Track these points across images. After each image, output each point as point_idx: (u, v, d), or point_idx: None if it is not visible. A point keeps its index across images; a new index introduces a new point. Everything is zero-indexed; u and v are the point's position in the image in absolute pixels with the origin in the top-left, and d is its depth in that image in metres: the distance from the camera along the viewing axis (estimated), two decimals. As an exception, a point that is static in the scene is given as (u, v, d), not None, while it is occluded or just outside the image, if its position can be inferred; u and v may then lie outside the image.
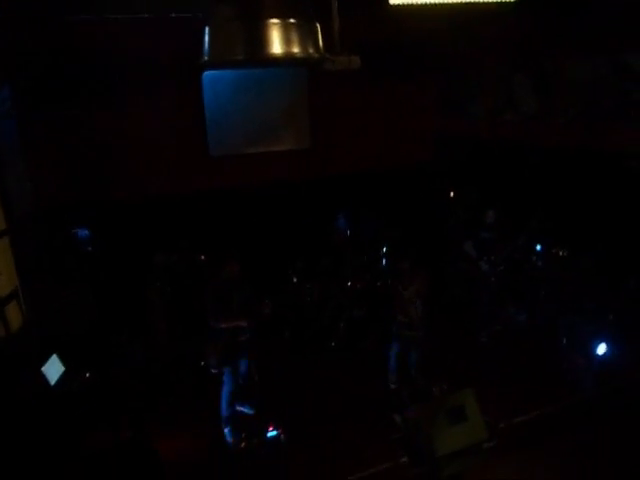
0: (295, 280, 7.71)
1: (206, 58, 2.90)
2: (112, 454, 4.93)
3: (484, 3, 5.40)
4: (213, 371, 5.61)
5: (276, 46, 2.69)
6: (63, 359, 6.04)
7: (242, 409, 6.06)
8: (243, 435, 5.60)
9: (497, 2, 5.49)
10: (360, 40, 5.58)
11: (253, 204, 8.45)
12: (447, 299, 8.27)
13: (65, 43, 6.75)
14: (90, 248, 7.17)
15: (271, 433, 5.52)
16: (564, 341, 6.93)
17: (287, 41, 2.76)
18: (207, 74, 7.91)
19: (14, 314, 6.36)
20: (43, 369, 5.73)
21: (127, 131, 7.72)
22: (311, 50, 2.91)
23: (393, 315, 6.23)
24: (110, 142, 7.66)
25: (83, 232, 7.12)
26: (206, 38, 2.92)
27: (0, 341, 5.95)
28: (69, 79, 6.81)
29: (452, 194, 9.17)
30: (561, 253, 7.52)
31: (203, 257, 7.46)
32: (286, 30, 2.75)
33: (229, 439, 5.64)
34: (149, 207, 7.83)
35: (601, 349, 6.20)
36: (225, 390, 5.67)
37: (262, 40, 2.72)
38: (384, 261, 8.22)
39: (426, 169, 9.53)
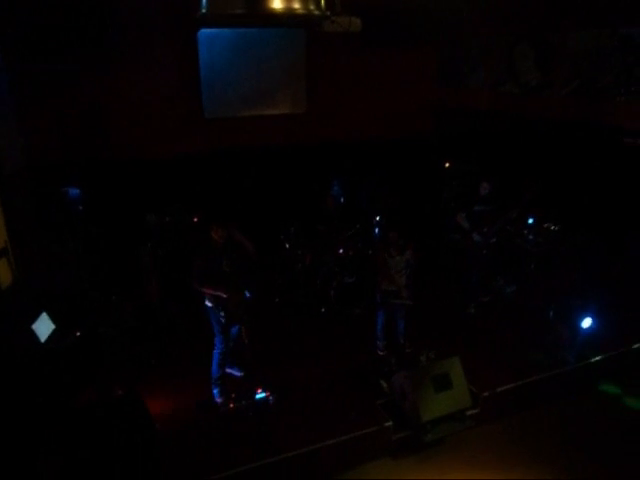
0: (288, 246, 7.72)
1: (204, 11, 2.80)
2: (102, 411, 4.98)
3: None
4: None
5: (277, 1, 2.61)
6: (53, 317, 6.06)
7: (231, 371, 6.13)
8: (232, 396, 5.67)
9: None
10: (361, 3, 5.47)
11: (248, 168, 8.38)
12: (438, 269, 8.34)
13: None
14: (81, 207, 7.08)
15: (259, 395, 5.61)
16: (551, 314, 7.03)
17: (288, -4, 2.67)
18: (203, 32, 7.71)
19: (4, 271, 6.33)
20: (33, 326, 5.75)
21: (121, 90, 7.57)
22: (312, 7, 2.82)
23: (379, 283, 6.27)
24: (104, 100, 7.52)
25: (74, 191, 7.03)
26: (204, -10, 2.83)
27: (-10, 298, 5.94)
28: (61, 33, 6.61)
29: (447, 165, 9.14)
30: (553, 227, 7.57)
31: (195, 219, 7.42)
32: (287, -16, 2.67)
33: (218, 400, 5.71)
34: (142, 167, 7.74)
35: (586, 323, 6.29)
36: (216, 352, 5.71)
37: (262, -6, 2.64)
38: (377, 230, 8.23)
39: (423, 139, 9.46)
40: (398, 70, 9.21)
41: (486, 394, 5.80)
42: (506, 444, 5.51)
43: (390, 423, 5.42)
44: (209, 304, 5.56)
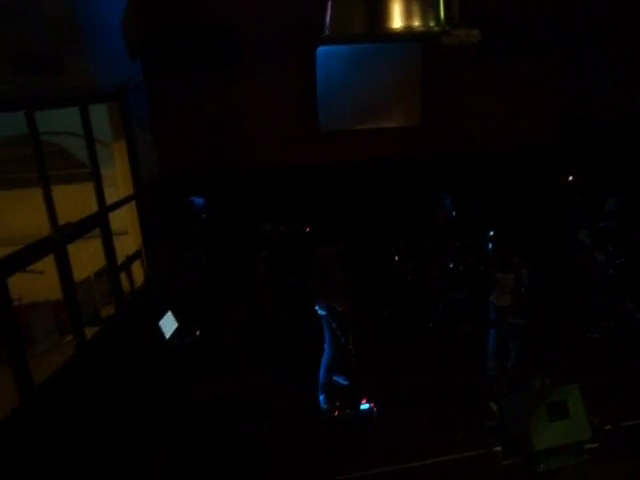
0: (397, 258, 7.70)
1: (327, 32, 2.94)
2: (217, 405, 5.31)
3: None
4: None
5: (397, 20, 2.66)
6: (177, 316, 6.58)
7: (338, 379, 6.23)
8: (337, 404, 5.76)
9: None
10: (479, 13, 5.36)
11: (360, 180, 8.49)
12: (557, 289, 7.84)
13: (189, 17, 7.19)
14: (204, 215, 7.63)
15: (364, 406, 5.64)
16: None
17: (408, 14, 2.72)
18: (321, 49, 7.98)
19: (138, 272, 7.00)
20: (160, 323, 6.28)
21: (243, 104, 8.05)
22: (432, 23, 2.84)
23: (493, 300, 6.04)
24: (227, 114, 8.04)
25: (199, 200, 7.59)
26: (328, 13, 2.96)
27: (125, 296, 6.59)
28: (195, 54, 7.22)
29: (570, 178, 8.57)
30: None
31: (308, 229, 7.67)
32: (408, 3, 2.71)
33: (323, 406, 5.83)
34: (261, 178, 8.15)
35: None
36: (325, 359, 5.85)
37: (383, 13, 2.71)
38: (490, 245, 7.93)
39: (543, 151, 8.95)
40: (517, 79, 8.83)
41: (609, 427, 5.33)
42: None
43: (499, 448, 5.18)
44: (322, 312, 5.72)
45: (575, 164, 8.74)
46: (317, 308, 5.73)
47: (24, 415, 4.68)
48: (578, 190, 8.45)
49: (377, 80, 8.41)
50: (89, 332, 5.71)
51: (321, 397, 5.88)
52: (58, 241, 5.23)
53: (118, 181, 6.91)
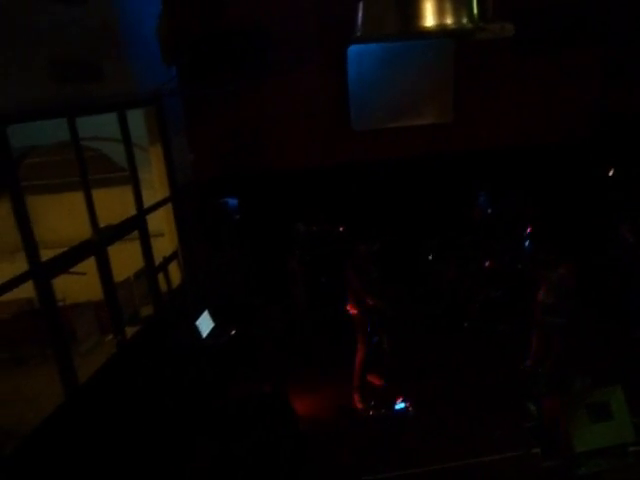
0: (431, 257, 7.63)
1: (359, 34, 2.95)
2: (252, 405, 5.38)
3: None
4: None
5: (429, 18, 2.65)
6: (213, 315, 6.70)
7: (372, 379, 6.23)
8: (372, 403, 5.76)
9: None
10: (513, 5, 5.26)
11: (393, 179, 8.45)
12: (599, 288, 7.61)
13: (220, 21, 7.29)
14: (238, 216, 7.73)
15: (399, 405, 5.63)
16: None
17: (440, 12, 2.70)
18: (352, 48, 7.98)
19: (175, 272, 7.15)
20: (197, 323, 6.41)
21: (276, 106, 8.11)
22: (464, 20, 2.81)
23: (535, 299, 5.92)
24: (261, 117, 8.12)
25: (233, 201, 7.70)
26: (359, 14, 2.96)
27: (163, 296, 6.74)
28: (226, 58, 7.32)
29: (611, 172, 8.30)
30: None
31: (341, 229, 7.68)
32: (440, 1, 2.69)
33: (358, 405, 5.84)
34: (293, 178, 8.21)
35: None
36: (359, 358, 5.85)
37: (415, 13, 2.70)
38: (527, 243, 7.78)
39: (582, 145, 8.71)
40: (553, 72, 8.62)
41: (654, 430, 5.17)
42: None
43: (538, 449, 5.08)
44: (354, 311, 5.73)
45: (615, 158, 8.48)
46: (350, 309, 5.74)
47: (69, 412, 4.85)
48: (619, 184, 8.19)
49: (409, 78, 8.35)
50: (129, 331, 5.88)
51: (355, 397, 5.89)
52: (99, 243, 5.40)
53: (155, 184, 7.08)
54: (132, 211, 6.23)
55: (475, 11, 3.15)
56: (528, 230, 7.79)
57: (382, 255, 5.97)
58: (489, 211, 7.93)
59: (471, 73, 8.43)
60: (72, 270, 5.13)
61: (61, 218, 6.94)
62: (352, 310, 5.76)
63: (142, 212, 6.32)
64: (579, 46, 8.36)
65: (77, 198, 5.42)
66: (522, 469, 5.04)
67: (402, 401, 5.63)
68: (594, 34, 8.12)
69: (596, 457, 4.99)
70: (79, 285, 5.60)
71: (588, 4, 7.36)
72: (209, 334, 6.50)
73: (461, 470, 4.99)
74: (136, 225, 6.21)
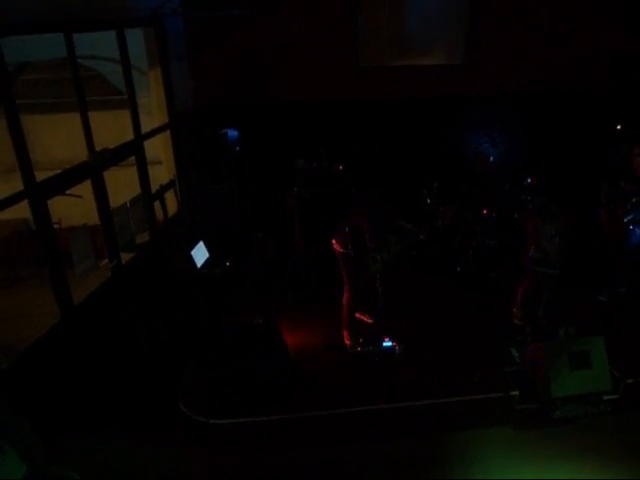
0: (429, 201, 7.60)
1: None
2: (244, 334, 5.52)
3: None
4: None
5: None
6: (208, 246, 6.72)
7: (362, 317, 6.36)
8: (360, 340, 5.91)
9: None
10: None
11: (397, 119, 8.27)
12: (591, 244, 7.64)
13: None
14: (238, 148, 7.61)
15: (386, 343, 5.77)
16: None
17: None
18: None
19: (171, 201, 7.12)
20: (192, 252, 6.43)
21: (280, 35, 7.80)
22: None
23: (527, 249, 5.95)
24: (265, 45, 7.82)
25: (233, 132, 7.55)
26: None
27: (159, 224, 6.74)
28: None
29: (618, 127, 8.13)
30: None
31: (341, 167, 7.59)
32: None
33: (346, 342, 5.99)
34: (295, 111, 8.01)
35: None
36: (345, 296, 5.95)
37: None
38: (526, 193, 7.72)
39: (595, 95, 8.46)
40: (570, 14, 8.24)
41: (630, 381, 5.35)
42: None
43: (516, 392, 5.27)
44: (342, 250, 5.75)
45: (627, 113, 8.27)
46: (335, 246, 5.77)
47: (64, 331, 4.97)
48: (622, 139, 8.02)
49: (421, 15, 8.02)
50: (124, 258, 5.93)
51: (344, 333, 6.02)
52: (95, 166, 5.33)
53: (153, 110, 6.92)
54: (129, 136, 6.12)
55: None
56: (529, 180, 7.72)
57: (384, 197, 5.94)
58: (491, 159, 7.81)
59: (486, 12, 8.06)
60: (68, 192, 5.09)
61: (56, 139, 6.82)
62: (338, 247, 5.79)
63: (140, 137, 6.20)
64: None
65: (73, 119, 5.30)
66: (499, 411, 5.26)
67: (390, 340, 5.76)
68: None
69: (572, 403, 5.20)
70: (75, 209, 5.58)
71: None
72: (204, 264, 6.54)
73: (440, 407, 5.19)
74: (133, 151, 6.12)
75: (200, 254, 6.56)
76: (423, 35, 8.12)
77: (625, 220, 6.39)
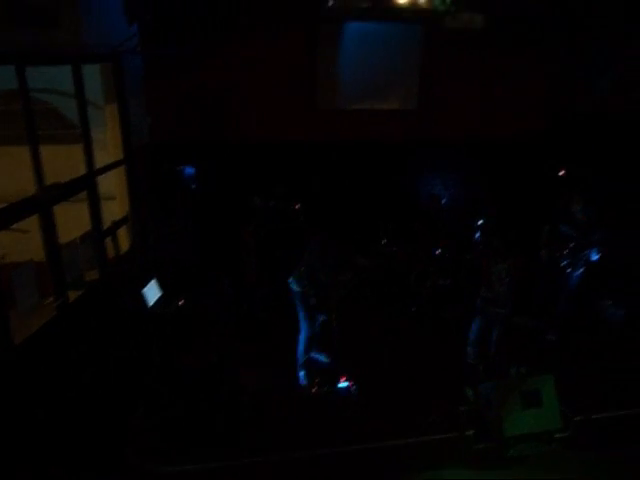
0: (384, 241, 7.72)
1: (331, 3, 2.88)
2: (197, 375, 5.34)
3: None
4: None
5: (402, -4, 2.62)
6: (161, 284, 6.56)
7: (317, 356, 6.28)
8: (316, 381, 5.82)
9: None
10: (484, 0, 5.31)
11: (354, 160, 8.44)
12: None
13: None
14: (194, 185, 7.56)
15: (342, 384, 5.71)
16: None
17: (414, -8, 2.67)
18: (325, 26, 7.85)
19: (124, 238, 6.94)
20: (143, 290, 6.25)
21: (240, 76, 7.92)
22: (437, 2, 2.80)
23: (479, 289, 6.10)
24: (223, 86, 7.91)
25: (189, 169, 7.51)
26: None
27: (110, 261, 6.54)
28: (193, 20, 7.06)
29: (562, 172, 8.56)
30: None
31: (297, 206, 7.64)
32: (415, -20, 2.67)
33: (302, 382, 5.89)
34: (254, 151, 8.07)
35: None
36: (302, 336, 5.89)
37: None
38: (478, 234, 7.96)
39: (537, 143, 8.94)
40: (516, 68, 8.77)
41: (579, 418, 5.47)
42: (594, 476, 5.16)
43: (472, 432, 5.29)
44: (297, 289, 5.74)
45: (567, 157, 8.75)
46: (291, 284, 5.76)
47: (3, 372, 4.67)
48: (566, 183, 8.43)
49: (378, 61, 8.33)
50: (72, 296, 5.69)
51: (300, 373, 5.93)
52: (44, 201, 5.16)
53: (108, 145, 6.81)
54: (82, 171, 5.98)
55: (448, -4, 3.15)
56: (480, 222, 7.98)
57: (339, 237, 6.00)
58: (443, 201, 8.06)
59: (437, 62, 8.47)
60: (14, 227, 4.89)
61: (3, 172, 6.58)
62: (294, 287, 5.77)
63: (93, 172, 6.07)
64: (543, 46, 8.53)
65: (23, 153, 5.14)
66: (455, 451, 5.24)
67: (346, 380, 5.71)
68: (557, 36, 8.30)
69: (525, 441, 5.25)
70: (21, 244, 5.36)
71: (553, 9, 7.49)
72: (156, 303, 6.37)
73: (396, 449, 5.13)
74: (85, 186, 5.97)
75: (152, 292, 6.40)
76: (379, 81, 8.42)
77: (562, 264, 6.65)
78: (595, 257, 6.44)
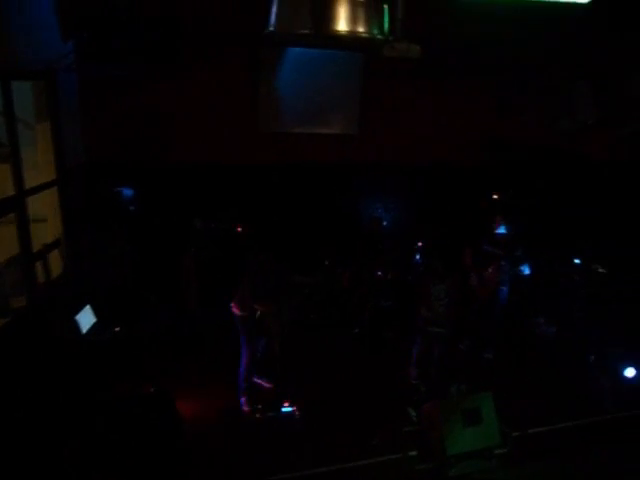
0: (327, 263, 7.76)
1: (272, 29, 2.91)
2: (133, 405, 5.11)
3: (558, 3, 5.28)
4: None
5: (342, 23, 2.69)
6: (96, 311, 6.27)
7: (260, 382, 6.17)
8: (259, 407, 5.71)
9: (571, 2, 5.35)
10: (422, 30, 5.53)
11: (296, 183, 8.48)
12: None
13: (128, 2, 6.90)
14: (133, 207, 7.34)
15: (285, 409, 5.63)
16: (592, 359, 6.78)
17: (353, 19, 2.75)
18: (267, 50, 7.93)
19: (56, 262, 6.61)
20: (77, 317, 5.96)
21: (181, 98, 7.82)
22: (375, 31, 2.89)
23: (419, 310, 6.22)
24: (164, 107, 7.77)
25: (128, 191, 7.30)
26: (274, 8, 2.94)
27: (40, 286, 6.20)
28: (131, 41, 6.93)
29: (496, 197, 8.97)
30: (600, 270, 7.34)
31: (240, 229, 7.56)
32: (354, 7, 2.75)
33: (244, 408, 5.76)
34: (193, 173, 7.95)
35: (629, 372, 6.04)
36: (243, 361, 5.78)
37: (328, 15, 2.72)
38: (417, 256, 8.17)
39: (473, 169, 9.33)
40: (453, 98, 9.19)
41: (517, 434, 5.63)
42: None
43: (415, 453, 5.32)
44: (240, 313, 5.65)
45: (498, 184, 9.17)
46: (234, 309, 5.68)
47: None
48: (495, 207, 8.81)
49: (319, 86, 8.47)
50: (-3, 323, 5.33)
51: (242, 399, 5.80)
52: (-33, 223, 4.85)
53: (40, 165, 6.51)
54: (10, 192, 5.68)
55: (386, 25, 3.26)
56: (419, 244, 8.19)
57: (281, 259, 5.97)
58: (385, 223, 8.23)
59: (377, 89, 8.73)
60: None
61: None
62: (236, 310, 5.69)
63: (22, 193, 5.77)
64: (476, 78, 8.97)
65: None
66: (398, 472, 5.25)
67: (289, 405, 5.63)
68: (491, 68, 8.77)
69: (466, 459, 5.33)
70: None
71: (490, 40, 7.91)
72: (90, 330, 6.09)
73: (336, 473, 5.08)
74: (13, 207, 5.66)
75: (86, 319, 6.12)
76: (320, 105, 8.56)
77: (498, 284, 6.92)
78: (527, 271, 6.74)
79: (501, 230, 6.84)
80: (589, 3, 5.49)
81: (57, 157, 6.57)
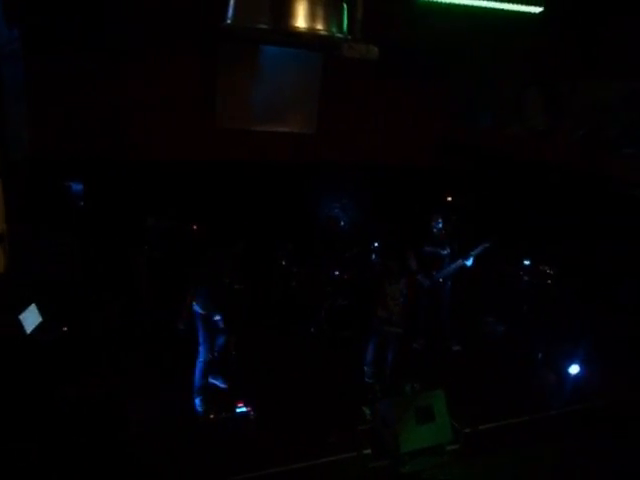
0: (283, 262, 7.72)
1: (229, 22, 2.86)
2: (81, 408, 4.93)
3: (510, 11, 5.47)
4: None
5: (301, 20, 2.67)
6: (42, 309, 6.01)
7: (215, 382, 6.08)
8: (213, 407, 5.62)
9: (523, 12, 5.55)
10: (381, 32, 5.57)
11: (253, 181, 8.40)
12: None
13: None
14: (82, 203, 7.08)
15: (240, 409, 5.56)
16: (539, 357, 7.02)
17: (312, 16, 2.73)
18: (225, 45, 7.82)
19: (-1, 258, 6.30)
20: (20, 317, 5.70)
21: (135, 92, 7.59)
22: (334, 30, 2.88)
23: (374, 309, 6.27)
24: (117, 101, 7.51)
25: (77, 185, 7.04)
26: (231, 1, 2.88)
27: (-20, 283, 5.90)
28: (81, 29, 6.68)
29: (449, 199, 9.16)
30: (548, 270, 7.60)
31: (195, 227, 7.43)
32: (313, 5, 2.73)
33: (199, 409, 5.66)
34: (147, 169, 7.73)
35: (574, 369, 6.28)
36: (199, 360, 5.68)
37: (287, 11, 2.70)
38: (374, 256, 8.24)
39: (427, 171, 9.50)
40: (409, 100, 9.32)
41: (467, 430, 5.76)
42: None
43: (369, 451, 5.36)
44: (200, 311, 5.55)
45: (455, 186, 9.38)
46: (196, 307, 5.57)
47: None
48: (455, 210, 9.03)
49: (278, 84, 8.44)
50: None
51: (197, 400, 5.69)
52: None
53: (-19, 156, 6.21)
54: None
55: (345, 24, 3.27)
56: (375, 244, 8.27)
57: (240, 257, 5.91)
58: (342, 223, 8.26)
59: (335, 89, 8.76)
60: None
61: None
62: (198, 309, 5.59)
63: (-38, 186, 5.48)
64: (432, 81, 9.14)
65: None
66: (352, 471, 5.27)
67: (244, 405, 5.57)
68: (447, 72, 8.95)
69: (419, 456, 5.41)
70: None
71: (446, 43, 8.05)
72: (35, 329, 5.83)
73: (296, 472, 5.06)
74: (-48, 200, 5.36)
75: (31, 318, 5.86)
76: (279, 103, 8.52)
77: (437, 278, 7.07)
78: (469, 262, 6.92)
79: (438, 225, 7.02)
80: (540, 13, 5.73)
81: (0, 150, 6.26)
